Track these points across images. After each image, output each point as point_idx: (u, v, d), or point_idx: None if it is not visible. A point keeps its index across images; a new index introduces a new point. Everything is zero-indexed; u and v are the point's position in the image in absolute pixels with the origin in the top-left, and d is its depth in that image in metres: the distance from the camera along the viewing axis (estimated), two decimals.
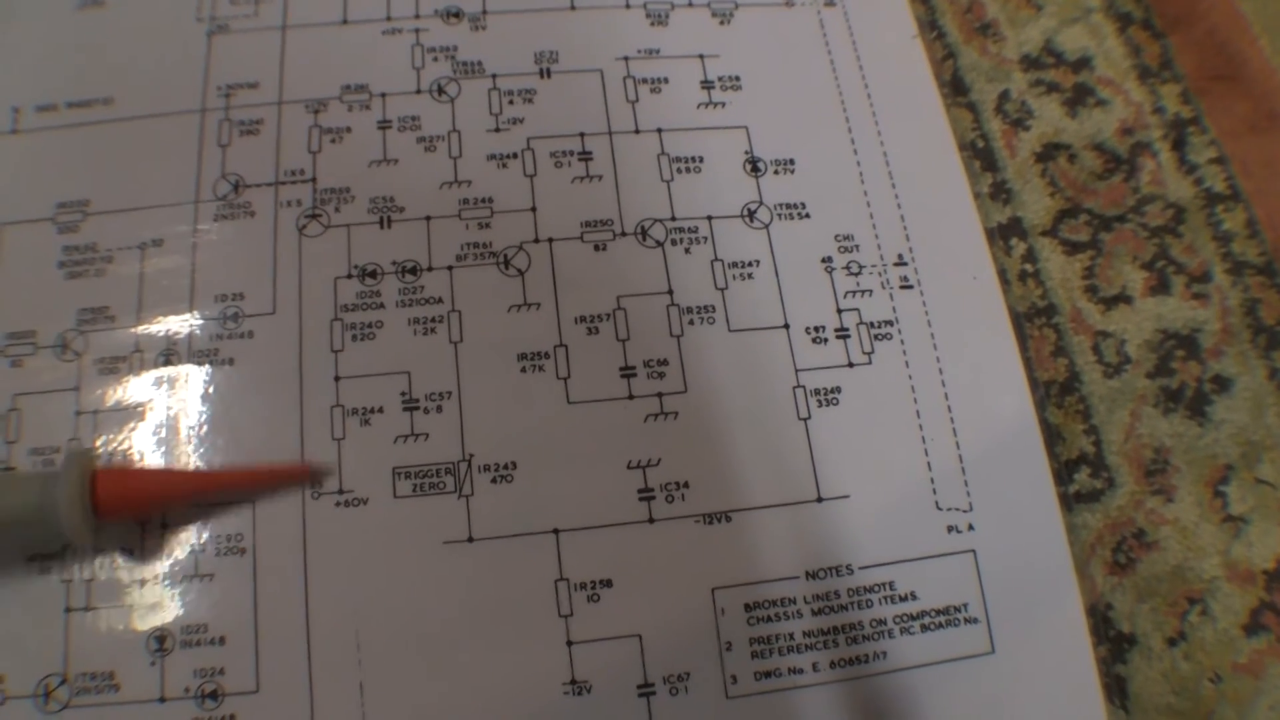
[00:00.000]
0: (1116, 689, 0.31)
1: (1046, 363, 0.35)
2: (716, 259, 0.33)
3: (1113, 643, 0.31)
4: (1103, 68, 0.41)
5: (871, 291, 0.34)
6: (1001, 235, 0.36)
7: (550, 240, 0.33)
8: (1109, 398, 0.34)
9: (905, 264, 0.34)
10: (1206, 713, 0.31)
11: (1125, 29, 0.41)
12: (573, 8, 0.37)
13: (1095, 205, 0.38)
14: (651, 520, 0.30)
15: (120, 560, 0.29)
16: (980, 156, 0.38)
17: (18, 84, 0.35)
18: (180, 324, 0.32)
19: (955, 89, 0.39)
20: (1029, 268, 0.36)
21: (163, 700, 0.28)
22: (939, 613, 0.30)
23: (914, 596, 0.30)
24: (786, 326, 0.33)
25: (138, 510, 0.29)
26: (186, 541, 0.30)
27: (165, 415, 0.31)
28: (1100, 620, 0.31)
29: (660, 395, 0.32)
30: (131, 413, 0.31)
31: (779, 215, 0.34)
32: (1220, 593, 0.32)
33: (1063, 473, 0.33)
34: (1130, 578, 0.32)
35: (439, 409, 0.31)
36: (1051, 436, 0.33)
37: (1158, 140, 0.39)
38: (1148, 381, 0.35)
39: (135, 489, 0.29)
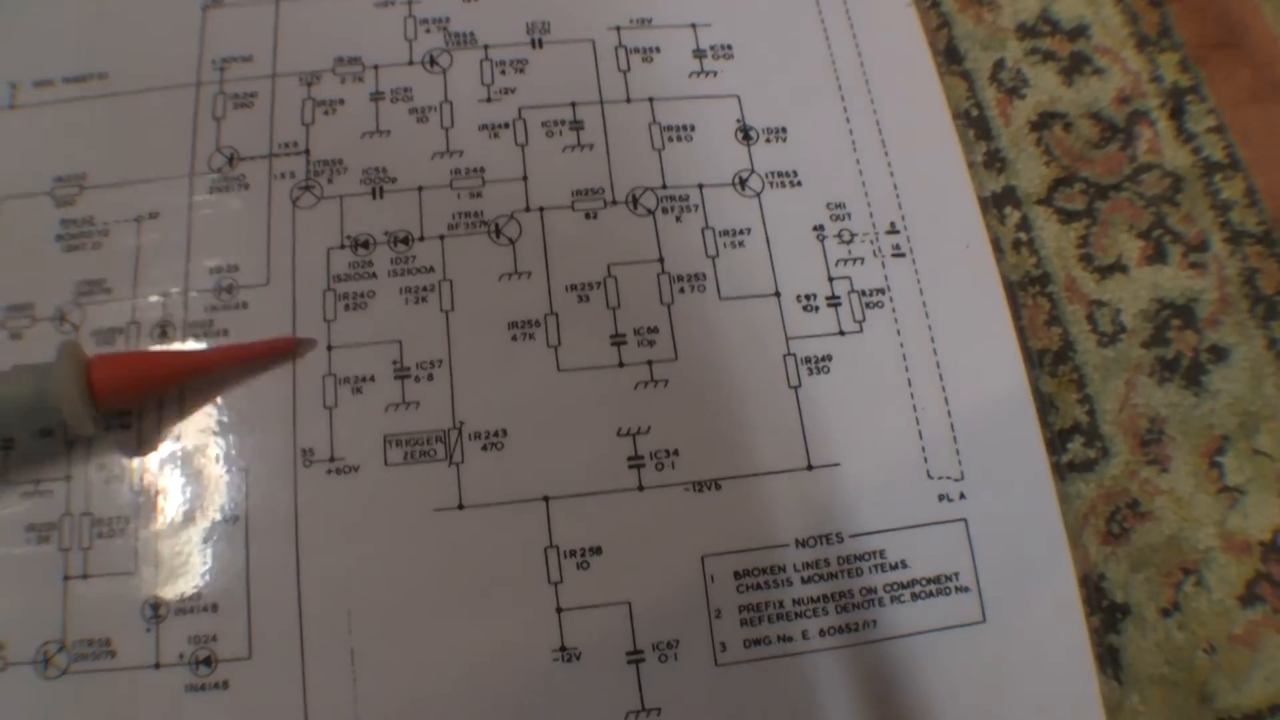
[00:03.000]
0: (1109, 659, 0.30)
1: (1040, 332, 0.34)
2: (707, 227, 0.33)
3: (1106, 613, 0.31)
4: (1100, 36, 0.40)
5: (863, 259, 0.33)
6: (995, 204, 0.36)
7: (541, 209, 0.33)
8: (1104, 367, 0.34)
9: (897, 232, 0.34)
10: (1200, 683, 0.30)
11: None
12: None
13: (1091, 174, 0.37)
14: (641, 488, 0.30)
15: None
16: (974, 125, 0.37)
17: (15, 60, 0.35)
18: (176, 295, 0.32)
19: (950, 58, 0.39)
20: (1023, 236, 0.36)
21: (158, 666, 0.29)
22: (930, 581, 0.30)
23: (904, 565, 0.30)
24: (778, 295, 0.33)
25: (134, 392, 0.30)
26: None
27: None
28: (1094, 590, 0.31)
29: (650, 363, 0.32)
30: None
31: (771, 184, 0.34)
32: (1215, 563, 0.32)
33: (1056, 442, 0.33)
34: (1124, 548, 0.32)
35: (430, 377, 0.31)
36: (1045, 406, 0.33)
37: (1155, 109, 0.39)
38: (1143, 351, 0.35)
39: (129, 371, 0.30)
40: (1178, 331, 0.35)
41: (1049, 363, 0.34)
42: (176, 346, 0.32)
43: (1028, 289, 0.35)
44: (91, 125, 0.34)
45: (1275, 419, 0.34)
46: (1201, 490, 0.33)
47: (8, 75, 0.35)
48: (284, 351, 0.31)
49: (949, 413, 0.32)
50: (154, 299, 0.32)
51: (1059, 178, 0.37)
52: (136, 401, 0.31)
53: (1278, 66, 0.41)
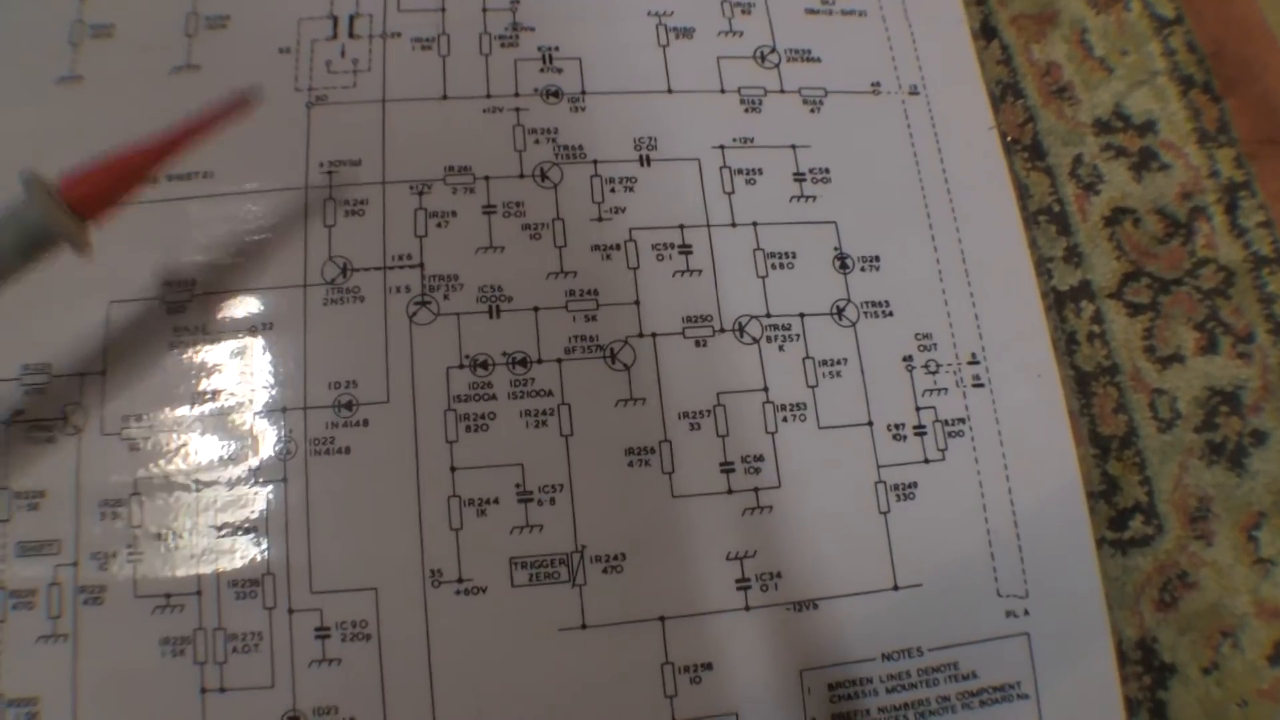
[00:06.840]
0: (1158, 712, 0.35)
1: (1109, 419, 0.38)
2: (808, 356, 0.35)
3: (1156, 672, 0.35)
4: (1166, 131, 0.42)
5: (947, 390, 0.36)
6: (1072, 298, 0.39)
7: (654, 335, 0.35)
8: (1161, 451, 0.38)
9: (978, 363, 0.36)
10: None
11: (1187, 92, 0.43)
12: (670, 90, 0.38)
13: (1156, 269, 0.40)
14: (748, 608, 0.33)
15: None
16: (1055, 221, 0.40)
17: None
18: (295, 412, 0.33)
19: (1034, 153, 0.41)
20: (1096, 329, 0.39)
21: None
22: (995, 689, 0.34)
23: (974, 675, 0.34)
24: (870, 424, 0.35)
25: (111, 193, 0.28)
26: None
27: (283, 505, 0.32)
28: (1146, 652, 0.35)
29: (756, 490, 0.34)
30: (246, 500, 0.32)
31: (865, 313, 0.36)
32: (1249, 627, 0.36)
33: (1118, 520, 0.36)
34: (1173, 614, 0.36)
35: (552, 501, 0.33)
36: (1111, 487, 0.37)
37: (1212, 204, 0.42)
38: (1195, 436, 0.38)
39: (98, 175, 0.28)
40: (1225, 417, 0.38)
41: (1115, 447, 0.37)
42: (299, 460, 0.32)
43: (1099, 379, 0.38)
44: (198, 227, 0.34)
45: None
46: (1239, 562, 0.37)
47: None
48: (242, 107, 0.30)
49: (1018, 535, 0.35)
50: (275, 413, 0.33)
51: (1128, 272, 0.40)
52: (117, 199, 0.29)
53: None
